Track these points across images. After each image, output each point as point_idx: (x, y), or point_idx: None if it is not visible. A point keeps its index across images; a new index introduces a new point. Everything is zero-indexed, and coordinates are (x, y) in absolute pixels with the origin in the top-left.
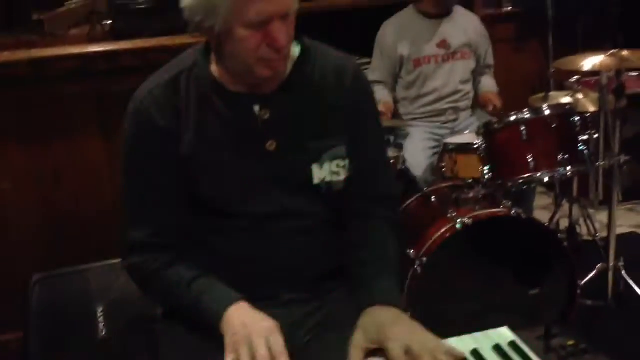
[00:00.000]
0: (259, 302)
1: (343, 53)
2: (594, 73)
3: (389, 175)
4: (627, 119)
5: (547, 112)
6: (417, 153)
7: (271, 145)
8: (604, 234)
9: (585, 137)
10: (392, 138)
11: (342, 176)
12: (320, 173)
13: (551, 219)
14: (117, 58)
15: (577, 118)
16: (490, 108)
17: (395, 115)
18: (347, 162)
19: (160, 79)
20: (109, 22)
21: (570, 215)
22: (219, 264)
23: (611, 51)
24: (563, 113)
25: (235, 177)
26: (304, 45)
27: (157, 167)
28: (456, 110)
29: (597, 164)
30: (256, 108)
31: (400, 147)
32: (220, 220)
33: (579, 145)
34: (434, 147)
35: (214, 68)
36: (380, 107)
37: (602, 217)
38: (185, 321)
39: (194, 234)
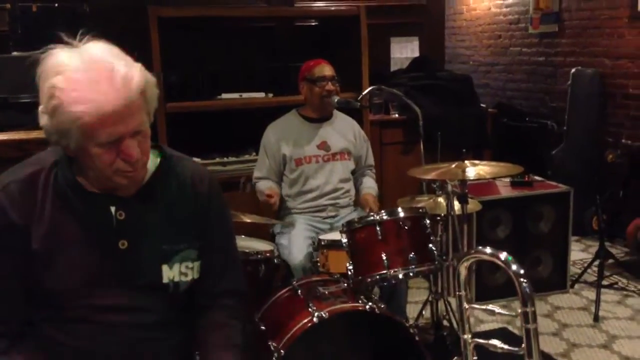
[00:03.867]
0: None
1: (198, 163)
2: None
3: (236, 272)
4: (501, 221)
5: (401, 215)
6: (297, 241)
7: (123, 245)
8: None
9: (436, 238)
10: (275, 229)
11: (190, 277)
12: (170, 273)
13: (420, 312)
14: None
15: (427, 221)
16: (367, 210)
17: (281, 209)
18: (196, 264)
19: (16, 175)
20: None
21: (435, 311)
22: (58, 355)
23: (456, 162)
24: (415, 216)
25: (83, 271)
26: (164, 155)
27: (2, 262)
28: (336, 206)
29: (446, 263)
30: (113, 209)
31: (277, 238)
32: (61, 311)
33: (429, 245)
34: (312, 239)
35: (74, 169)
36: (267, 193)
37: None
38: None
39: (33, 323)
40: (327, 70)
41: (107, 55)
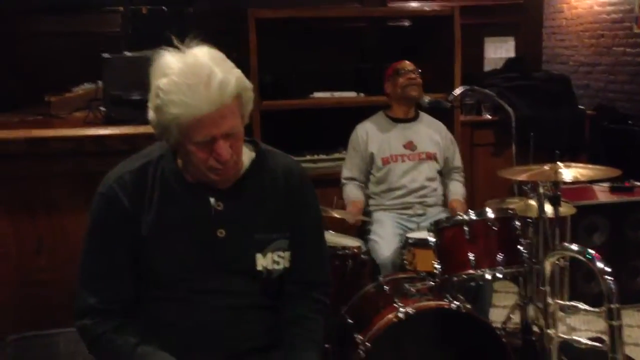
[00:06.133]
0: None
1: (290, 157)
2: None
3: (324, 264)
4: (597, 227)
5: (490, 215)
6: (385, 238)
7: (221, 233)
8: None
9: (526, 241)
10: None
11: (282, 266)
12: (263, 261)
13: (508, 316)
14: (106, 141)
15: (517, 223)
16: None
17: (367, 208)
18: (287, 253)
19: (130, 166)
20: (104, 109)
21: (524, 314)
22: (160, 330)
23: (549, 164)
24: (505, 217)
25: (185, 256)
26: (259, 150)
27: (115, 244)
28: (423, 205)
29: (536, 266)
30: (212, 200)
31: (367, 233)
32: (165, 291)
33: (518, 247)
34: (401, 236)
35: (178, 162)
36: (350, 207)
37: (573, 320)
38: None
39: (139, 302)
40: (407, 64)
41: (208, 60)
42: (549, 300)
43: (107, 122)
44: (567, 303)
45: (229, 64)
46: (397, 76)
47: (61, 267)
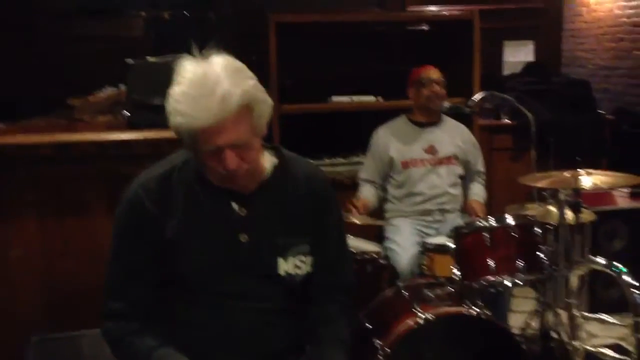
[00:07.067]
0: None
1: (312, 163)
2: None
3: (347, 267)
4: (617, 233)
5: (510, 222)
6: (404, 246)
7: (244, 238)
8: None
9: (546, 248)
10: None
11: (304, 270)
12: (285, 265)
13: (526, 322)
14: (129, 145)
15: (538, 229)
16: (473, 217)
17: (385, 212)
18: (309, 258)
19: (155, 172)
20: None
21: (543, 320)
22: (182, 331)
23: (569, 171)
24: (525, 223)
25: (208, 260)
26: (281, 156)
27: (140, 249)
28: (442, 211)
29: (556, 273)
30: (234, 205)
31: (386, 240)
32: (188, 295)
33: (539, 254)
34: (419, 243)
35: (201, 168)
36: (357, 202)
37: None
38: None
39: (162, 305)
40: (433, 73)
41: (219, 71)
42: (575, 312)
43: (130, 126)
44: (593, 315)
45: (243, 76)
46: (420, 86)
47: (86, 269)
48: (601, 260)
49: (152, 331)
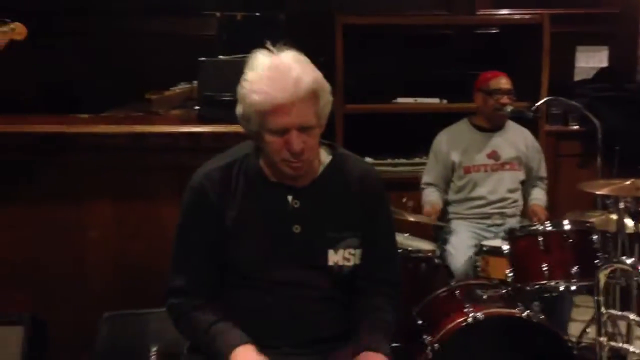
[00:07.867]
0: (265, 349)
1: (367, 162)
2: None
3: (394, 263)
4: None
5: (567, 227)
6: (460, 248)
7: (297, 229)
8: None
9: (604, 255)
10: (439, 234)
11: (352, 262)
12: (334, 257)
13: (583, 330)
14: (199, 138)
15: (595, 236)
16: (535, 220)
17: (445, 214)
18: (358, 251)
19: (218, 163)
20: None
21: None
22: (237, 312)
23: (631, 179)
24: (581, 229)
25: (262, 248)
26: (336, 153)
27: (202, 233)
28: (502, 215)
29: (613, 281)
30: (289, 197)
31: (444, 242)
32: (243, 279)
33: (594, 260)
34: (476, 246)
35: (261, 161)
36: (428, 208)
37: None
38: (204, 355)
39: (221, 286)
40: (504, 83)
41: (290, 61)
42: (603, 310)
43: (201, 120)
44: (620, 313)
45: (311, 66)
46: (488, 96)
47: (155, 252)
48: (628, 260)
49: (212, 307)
